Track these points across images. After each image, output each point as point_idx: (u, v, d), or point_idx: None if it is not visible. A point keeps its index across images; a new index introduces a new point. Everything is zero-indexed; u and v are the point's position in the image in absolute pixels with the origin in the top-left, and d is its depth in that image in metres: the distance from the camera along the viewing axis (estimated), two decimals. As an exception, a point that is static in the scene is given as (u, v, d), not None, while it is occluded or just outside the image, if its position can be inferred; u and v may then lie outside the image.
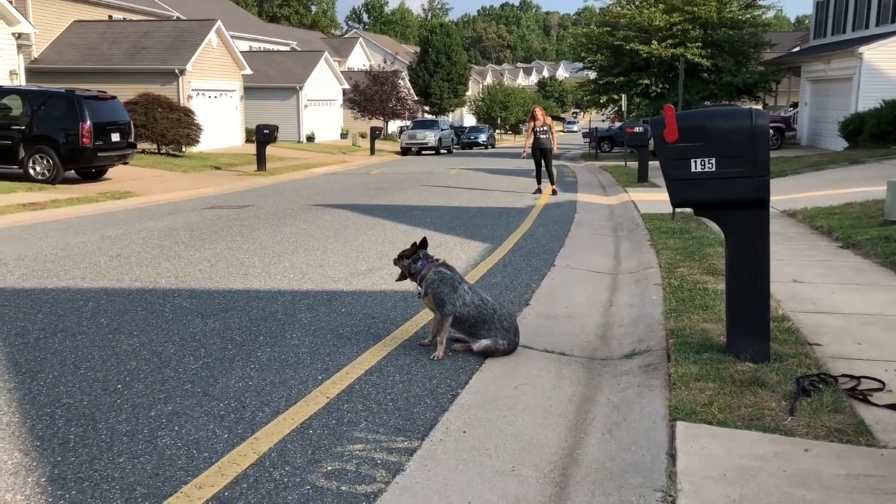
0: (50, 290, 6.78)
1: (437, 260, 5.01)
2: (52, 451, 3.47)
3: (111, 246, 9.20)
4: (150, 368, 4.61)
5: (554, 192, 15.66)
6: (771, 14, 39.86)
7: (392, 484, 3.14)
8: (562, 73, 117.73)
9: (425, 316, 5.57)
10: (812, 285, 6.28)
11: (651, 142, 18.92)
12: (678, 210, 10.14)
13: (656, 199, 12.80)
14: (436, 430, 3.69)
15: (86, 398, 4.12)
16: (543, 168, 15.97)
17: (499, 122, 65.10)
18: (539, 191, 16.01)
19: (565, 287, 7.01)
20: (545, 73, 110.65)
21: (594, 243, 9.63)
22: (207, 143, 26.42)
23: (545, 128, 15.75)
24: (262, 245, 9.25)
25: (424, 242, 5.08)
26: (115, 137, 16.67)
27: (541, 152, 15.83)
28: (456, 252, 8.74)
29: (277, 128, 22.38)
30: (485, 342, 4.77)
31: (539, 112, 16.04)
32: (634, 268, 7.65)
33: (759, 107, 31.80)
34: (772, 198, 4.29)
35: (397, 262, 5.12)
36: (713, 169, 4.10)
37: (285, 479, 3.18)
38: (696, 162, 4.12)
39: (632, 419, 3.76)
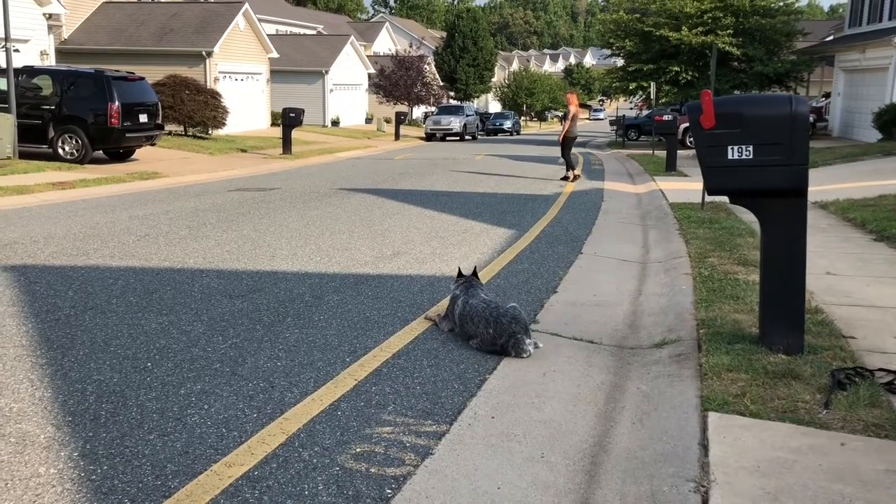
0: (80, 268, 6.84)
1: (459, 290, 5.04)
2: (84, 426, 3.50)
3: (139, 225, 9.27)
4: (179, 347, 4.64)
5: (565, 178, 15.76)
6: (804, 2, 39.17)
7: (421, 467, 3.12)
8: (589, 60, 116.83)
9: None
10: (846, 278, 6.17)
11: (679, 130, 18.74)
12: (708, 199, 10.02)
13: (685, 188, 12.65)
14: (464, 415, 3.67)
15: (116, 375, 4.15)
16: (572, 155, 16.04)
17: (524, 108, 64.72)
18: (566, 178, 15.94)
19: (593, 275, 6.95)
20: (572, 60, 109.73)
21: (622, 232, 9.54)
22: (234, 125, 26.53)
23: (565, 113, 16.03)
24: (288, 227, 9.27)
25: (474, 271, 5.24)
26: (143, 118, 16.78)
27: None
28: (482, 238, 8.70)
29: (303, 111, 22.41)
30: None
31: (569, 97, 16.23)
32: (663, 257, 7.57)
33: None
34: (807, 188, 4.19)
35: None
36: (751, 156, 4.02)
37: (314, 460, 3.19)
38: (733, 149, 4.04)
39: (662, 409, 3.72)
